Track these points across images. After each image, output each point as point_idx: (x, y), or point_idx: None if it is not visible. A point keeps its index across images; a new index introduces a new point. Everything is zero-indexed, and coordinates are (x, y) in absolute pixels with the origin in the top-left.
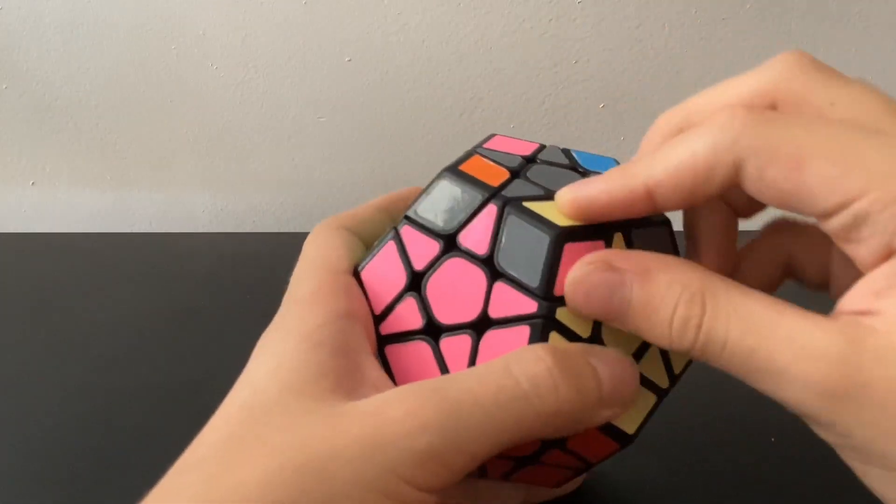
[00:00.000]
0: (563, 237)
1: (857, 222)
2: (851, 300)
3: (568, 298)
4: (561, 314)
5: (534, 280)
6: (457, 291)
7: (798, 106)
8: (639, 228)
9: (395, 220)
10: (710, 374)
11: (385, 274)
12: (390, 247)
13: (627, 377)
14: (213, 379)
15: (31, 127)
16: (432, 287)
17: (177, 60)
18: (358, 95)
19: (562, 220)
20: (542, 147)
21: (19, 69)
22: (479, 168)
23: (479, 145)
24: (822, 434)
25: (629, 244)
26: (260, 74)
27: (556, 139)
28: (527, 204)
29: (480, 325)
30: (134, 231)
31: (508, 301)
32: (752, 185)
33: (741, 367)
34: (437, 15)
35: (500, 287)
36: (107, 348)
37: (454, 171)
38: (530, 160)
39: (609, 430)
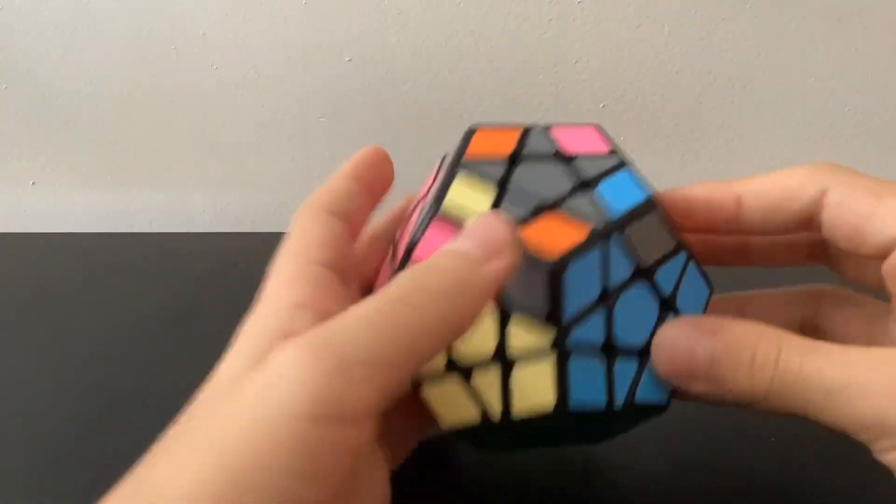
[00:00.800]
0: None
1: None
2: None
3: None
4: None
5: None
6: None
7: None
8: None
9: (368, 187)
10: None
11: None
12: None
13: (488, 223)
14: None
15: (31, 127)
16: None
17: (177, 60)
18: (358, 95)
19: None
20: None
21: (19, 69)
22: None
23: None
24: (885, 450)
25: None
26: (260, 74)
27: None
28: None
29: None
30: (134, 231)
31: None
32: (832, 211)
33: (813, 392)
34: (437, 15)
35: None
36: (107, 348)
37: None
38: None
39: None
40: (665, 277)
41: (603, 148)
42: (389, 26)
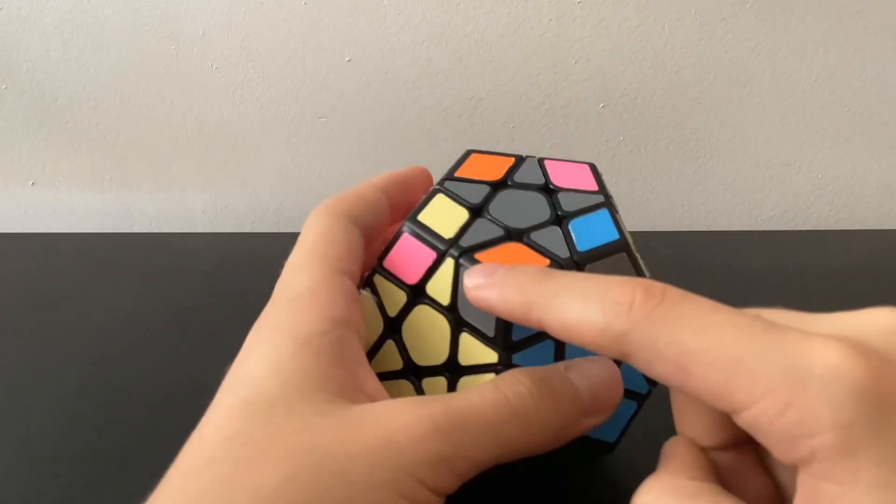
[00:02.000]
0: (409, 229)
1: (753, 431)
2: None
3: (474, 300)
4: (377, 280)
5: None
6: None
7: None
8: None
9: (391, 202)
10: None
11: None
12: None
13: (609, 382)
14: (213, 379)
15: (31, 127)
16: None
17: (177, 60)
18: (358, 95)
19: (428, 220)
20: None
21: (19, 69)
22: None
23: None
24: None
25: (455, 275)
26: (260, 74)
27: (556, 139)
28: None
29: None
30: (134, 231)
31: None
32: (647, 373)
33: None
34: (437, 15)
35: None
36: (107, 348)
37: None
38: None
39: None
40: None
41: (591, 186)
42: (389, 26)
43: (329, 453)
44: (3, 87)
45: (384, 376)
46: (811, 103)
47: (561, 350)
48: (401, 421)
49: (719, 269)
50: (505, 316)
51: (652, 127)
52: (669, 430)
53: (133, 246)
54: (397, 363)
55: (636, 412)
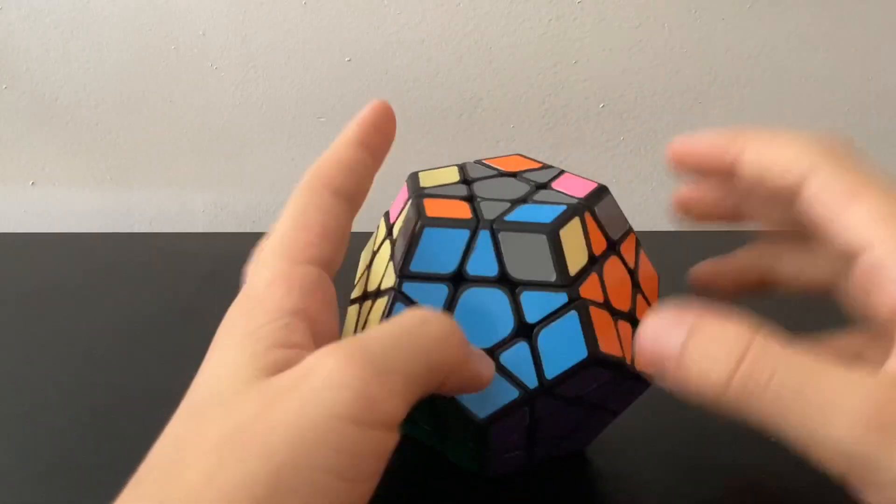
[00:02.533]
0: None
1: (875, 268)
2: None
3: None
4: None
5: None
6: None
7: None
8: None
9: (375, 154)
10: None
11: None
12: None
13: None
14: None
15: (31, 127)
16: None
17: (177, 60)
18: (358, 95)
19: (438, 213)
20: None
21: (19, 69)
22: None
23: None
24: (857, 484)
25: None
26: (260, 74)
27: (556, 139)
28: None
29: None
30: (134, 231)
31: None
32: (806, 200)
33: (783, 406)
34: (437, 15)
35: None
36: (107, 348)
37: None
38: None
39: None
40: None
41: (536, 164)
42: (389, 26)
43: (251, 433)
44: (3, 87)
45: None
46: (811, 103)
47: (536, 352)
48: (312, 369)
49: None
50: (707, 151)
51: (652, 127)
52: (670, 431)
53: (133, 246)
54: None
55: (516, 403)
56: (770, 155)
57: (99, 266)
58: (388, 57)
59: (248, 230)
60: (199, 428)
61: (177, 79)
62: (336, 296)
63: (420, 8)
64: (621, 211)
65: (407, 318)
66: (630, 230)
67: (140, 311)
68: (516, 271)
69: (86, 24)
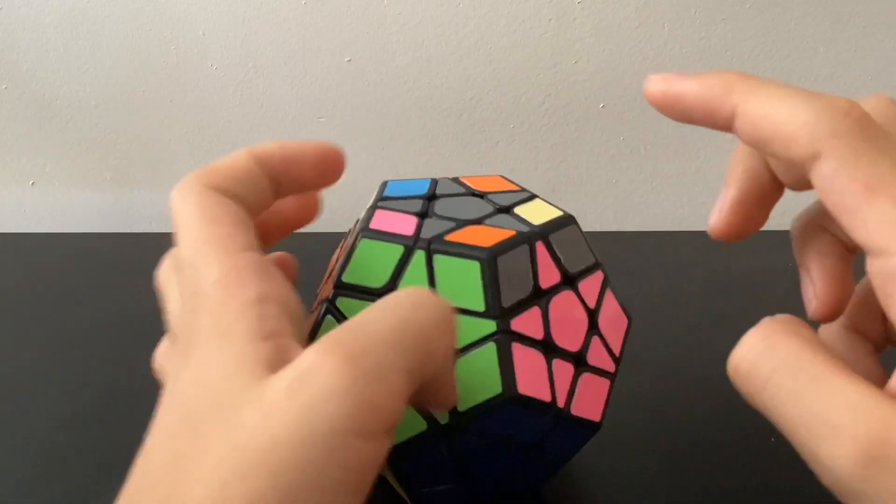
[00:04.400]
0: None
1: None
2: None
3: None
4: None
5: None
6: (330, 275)
7: None
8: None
9: (270, 174)
10: (710, 375)
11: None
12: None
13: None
14: None
15: (31, 127)
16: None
17: (177, 60)
18: (358, 95)
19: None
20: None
21: (19, 69)
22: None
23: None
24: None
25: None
26: (260, 74)
27: (556, 139)
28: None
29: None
30: (134, 231)
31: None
32: (820, 182)
33: (780, 407)
34: (437, 15)
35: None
36: (107, 348)
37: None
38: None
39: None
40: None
41: (513, 187)
42: (389, 26)
43: (253, 449)
44: (3, 87)
45: None
46: None
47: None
48: (314, 373)
49: (719, 269)
50: (696, 101)
51: (652, 127)
52: (670, 431)
53: (133, 246)
54: None
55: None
56: (772, 119)
57: (99, 266)
58: (388, 57)
59: None
60: (200, 443)
61: (177, 79)
62: (284, 275)
63: (420, 8)
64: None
65: (400, 302)
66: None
67: (140, 311)
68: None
69: (86, 24)
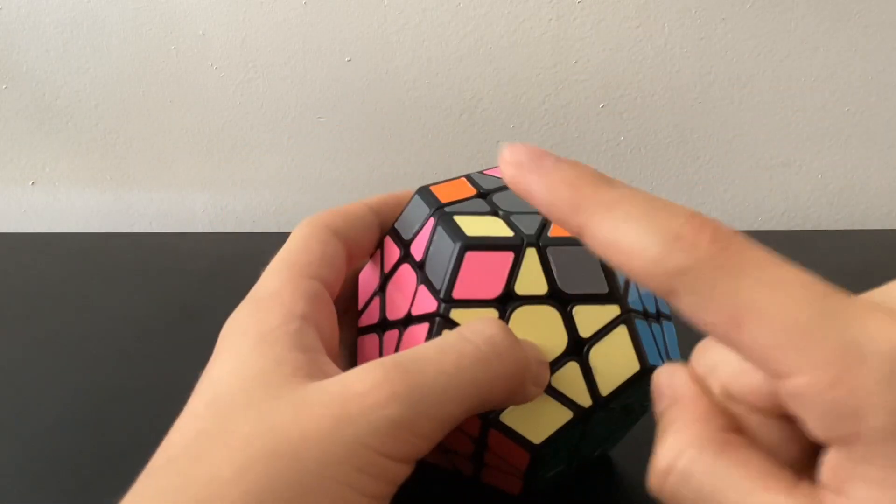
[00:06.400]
0: (467, 247)
1: (793, 401)
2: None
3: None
4: (456, 315)
5: (438, 283)
6: (402, 292)
7: None
8: (556, 246)
9: (383, 222)
10: None
11: (370, 276)
12: (376, 254)
13: (542, 360)
14: None
15: (31, 127)
16: (390, 288)
17: (177, 60)
18: (358, 95)
19: (478, 232)
20: (469, 177)
21: (19, 69)
22: (449, 188)
23: (437, 208)
24: None
25: (543, 262)
26: (260, 74)
27: (556, 139)
28: (456, 217)
29: (407, 321)
30: (134, 231)
31: (424, 301)
32: (686, 314)
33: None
34: (437, 15)
35: (422, 289)
36: (107, 348)
37: (424, 189)
38: (485, 194)
39: (516, 437)
40: None
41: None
42: (389, 26)
43: (282, 437)
44: (3, 87)
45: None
46: (811, 103)
47: (638, 290)
48: (353, 390)
49: None
50: (542, 208)
51: (652, 127)
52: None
53: (133, 246)
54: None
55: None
56: (620, 251)
57: (99, 266)
58: (388, 57)
59: (248, 230)
60: (227, 425)
61: (177, 79)
62: (336, 313)
63: (420, 8)
64: None
65: (476, 345)
66: None
67: (140, 311)
68: (567, 287)
69: (86, 24)
